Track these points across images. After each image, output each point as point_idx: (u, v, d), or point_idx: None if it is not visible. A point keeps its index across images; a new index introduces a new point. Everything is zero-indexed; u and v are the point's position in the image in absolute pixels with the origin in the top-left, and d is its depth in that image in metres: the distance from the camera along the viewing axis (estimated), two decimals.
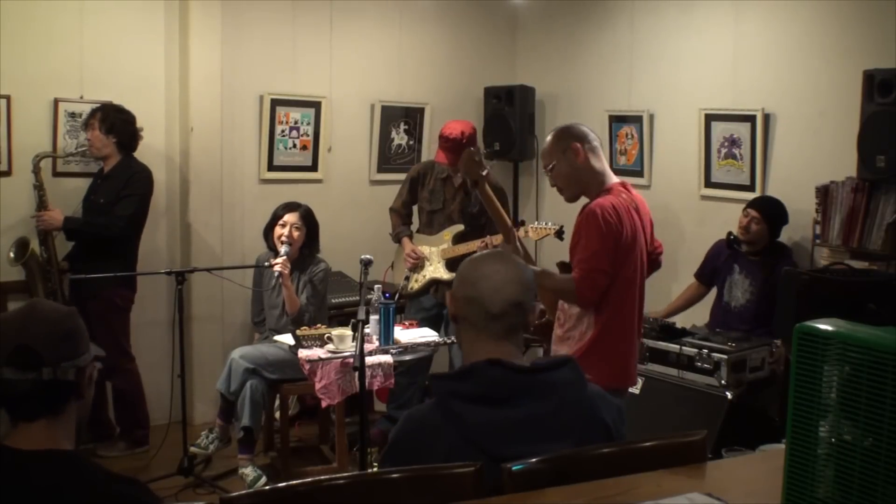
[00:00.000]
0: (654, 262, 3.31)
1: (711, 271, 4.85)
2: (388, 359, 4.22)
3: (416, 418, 1.92)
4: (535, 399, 1.85)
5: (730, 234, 4.71)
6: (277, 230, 4.69)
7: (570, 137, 3.10)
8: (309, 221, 4.76)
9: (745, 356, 4.23)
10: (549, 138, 3.17)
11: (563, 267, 3.15)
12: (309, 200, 4.90)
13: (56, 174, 4.83)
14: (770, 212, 4.59)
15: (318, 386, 4.13)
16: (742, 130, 4.96)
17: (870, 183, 4.18)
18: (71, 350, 1.77)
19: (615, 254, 2.97)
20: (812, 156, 4.65)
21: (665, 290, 5.29)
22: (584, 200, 3.14)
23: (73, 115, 4.85)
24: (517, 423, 1.82)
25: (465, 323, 2.00)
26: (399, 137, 6.01)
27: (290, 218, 4.70)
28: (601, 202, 3.00)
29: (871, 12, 4.35)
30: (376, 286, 4.54)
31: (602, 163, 3.14)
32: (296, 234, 4.67)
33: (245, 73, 5.36)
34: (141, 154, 4.78)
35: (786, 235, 4.74)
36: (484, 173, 3.17)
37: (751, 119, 4.88)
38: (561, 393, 1.88)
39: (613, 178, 3.14)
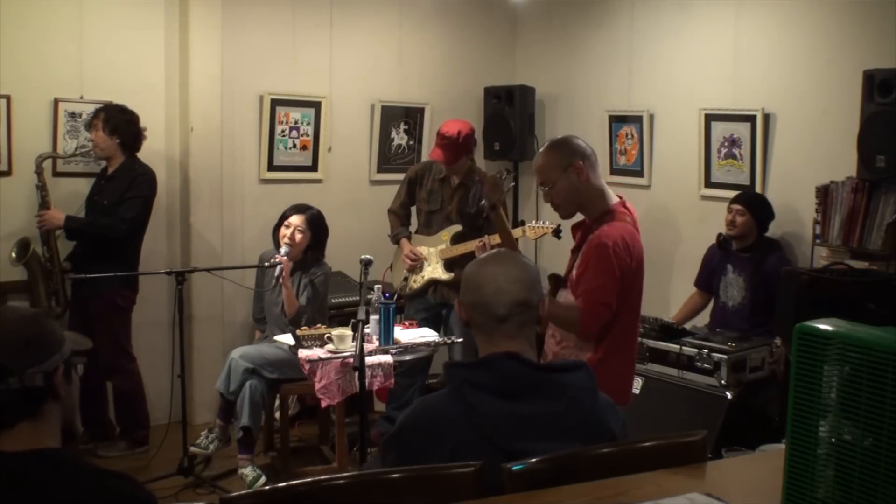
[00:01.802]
0: None
1: (708, 276, 4.87)
2: (388, 359, 4.21)
3: (429, 405, 1.93)
4: (548, 397, 1.86)
5: (719, 235, 4.74)
6: (282, 230, 4.68)
7: (571, 155, 2.94)
8: (315, 226, 4.71)
9: (745, 356, 4.23)
10: (546, 154, 2.99)
11: (555, 279, 3.09)
12: (309, 200, 4.90)
13: (56, 174, 4.83)
14: (752, 203, 4.64)
15: (318, 386, 4.13)
16: (742, 130, 4.95)
17: (870, 183, 4.18)
18: (35, 356, 1.74)
19: (621, 286, 2.88)
20: (812, 156, 4.65)
21: (663, 289, 5.30)
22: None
23: (73, 115, 4.85)
24: (528, 418, 1.83)
25: (477, 327, 2.02)
26: (399, 137, 6.01)
27: (295, 220, 4.67)
28: (611, 234, 2.87)
29: (871, 12, 4.35)
30: (376, 286, 4.53)
31: (600, 179, 3.02)
32: (298, 236, 4.64)
33: (245, 73, 5.36)
34: (141, 154, 4.77)
35: (787, 235, 4.74)
36: (501, 197, 3.16)
37: (751, 119, 4.88)
38: (573, 395, 1.89)
39: (613, 197, 3.01)
